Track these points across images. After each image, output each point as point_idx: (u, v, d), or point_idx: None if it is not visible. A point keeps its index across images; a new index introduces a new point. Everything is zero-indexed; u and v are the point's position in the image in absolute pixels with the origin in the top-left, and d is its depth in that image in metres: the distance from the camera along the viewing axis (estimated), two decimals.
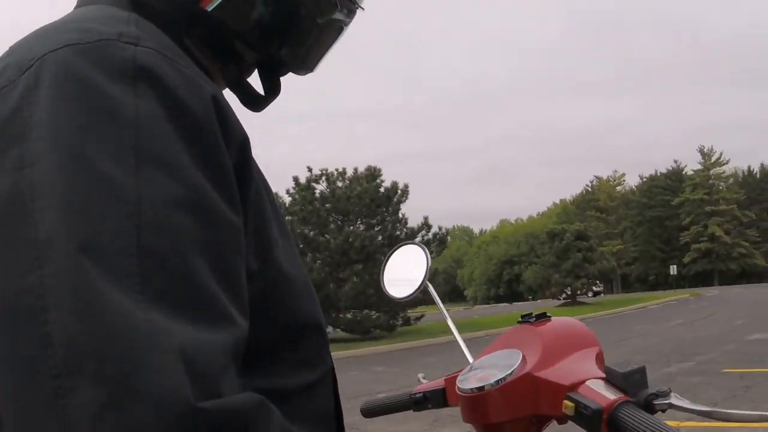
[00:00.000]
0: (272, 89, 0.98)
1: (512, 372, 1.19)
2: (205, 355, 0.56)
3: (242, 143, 0.72)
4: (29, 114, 0.62)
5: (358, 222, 26.62)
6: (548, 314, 1.34)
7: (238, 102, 0.95)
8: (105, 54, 0.64)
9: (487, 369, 1.25)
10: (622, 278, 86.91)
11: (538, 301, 53.17)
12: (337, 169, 27.40)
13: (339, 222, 26.30)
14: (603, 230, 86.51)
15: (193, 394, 0.54)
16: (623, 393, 1.08)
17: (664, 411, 1.08)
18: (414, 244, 1.63)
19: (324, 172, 27.13)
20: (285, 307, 0.81)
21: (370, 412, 1.56)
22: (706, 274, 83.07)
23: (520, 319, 1.35)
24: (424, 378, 1.50)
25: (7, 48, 0.74)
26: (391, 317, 26.54)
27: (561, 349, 1.25)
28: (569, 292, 43.31)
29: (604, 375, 1.14)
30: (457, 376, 1.32)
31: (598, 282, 55.68)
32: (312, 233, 25.62)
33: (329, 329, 26.56)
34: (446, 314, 1.66)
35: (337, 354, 20.39)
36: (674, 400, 1.07)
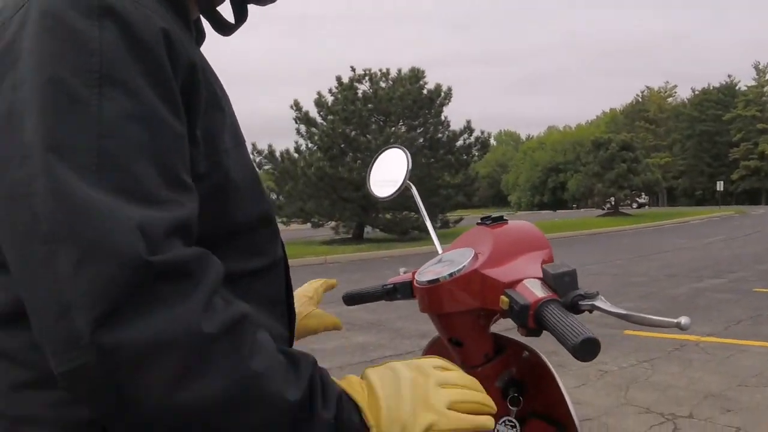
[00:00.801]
0: (240, 17, 1.10)
1: (462, 268, 1.30)
2: (153, 225, 0.73)
3: (190, 67, 0.86)
4: (20, 45, 0.78)
5: (400, 123, 26.52)
6: (505, 218, 1.45)
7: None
8: None
9: (443, 264, 1.37)
10: (668, 191, 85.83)
11: (582, 209, 52.92)
12: (380, 70, 27.15)
13: (380, 123, 26.23)
14: (651, 142, 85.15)
15: (145, 251, 0.70)
16: (553, 292, 1.19)
17: (590, 312, 1.18)
18: (397, 147, 1.71)
19: (367, 72, 26.91)
20: (232, 205, 0.95)
21: (350, 300, 1.69)
22: (754, 193, 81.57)
23: (479, 221, 1.46)
24: (405, 272, 1.59)
25: None
26: (430, 219, 26.79)
27: (510, 249, 1.36)
28: (612, 203, 42.99)
29: (541, 275, 1.24)
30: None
31: (642, 194, 55.22)
32: (353, 133, 25.65)
33: (367, 229, 26.90)
34: (424, 213, 1.78)
35: (373, 254, 20.72)
36: (599, 302, 1.15)
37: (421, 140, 26.17)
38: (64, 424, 0.83)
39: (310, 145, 26.71)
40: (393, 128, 25.48)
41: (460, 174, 27.07)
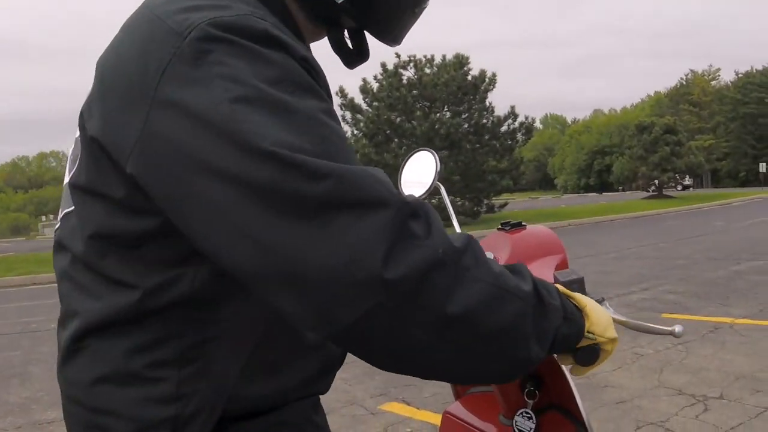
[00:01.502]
0: (362, 53, 1.20)
1: None
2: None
3: (327, 90, 0.97)
4: (213, 64, 0.85)
5: (445, 109, 26.80)
6: (523, 223, 1.57)
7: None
8: (247, 24, 0.89)
9: None
10: (712, 173, 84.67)
11: (627, 192, 52.64)
12: (425, 56, 27.45)
13: (425, 109, 26.56)
14: (695, 124, 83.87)
15: (399, 200, 0.85)
16: None
17: None
18: (426, 150, 1.77)
19: (412, 58, 27.22)
20: None
21: None
22: None
23: (499, 227, 1.57)
24: None
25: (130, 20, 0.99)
26: (476, 204, 27.00)
27: (526, 254, 1.46)
28: (656, 185, 42.80)
29: (552, 281, 1.32)
30: None
31: (687, 176, 54.67)
32: (398, 119, 25.99)
33: None
34: (452, 213, 1.84)
35: None
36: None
37: (466, 126, 26.49)
38: (138, 421, 0.94)
39: (355, 131, 27.09)
40: (438, 114, 25.80)
41: (505, 159, 27.29)
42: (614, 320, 1.26)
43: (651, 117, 53.11)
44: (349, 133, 27.31)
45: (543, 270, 1.41)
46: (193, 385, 0.97)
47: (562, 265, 1.48)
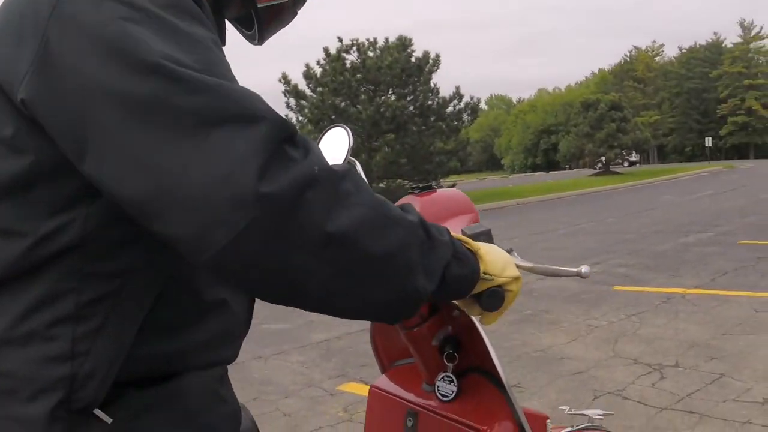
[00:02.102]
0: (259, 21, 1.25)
1: None
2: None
3: (215, 30, 0.98)
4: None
5: (390, 92, 26.58)
6: (434, 186, 1.58)
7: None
8: None
9: None
10: (658, 149, 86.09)
11: (574, 170, 53.17)
12: (368, 39, 27.12)
13: (370, 92, 26.28)
14: (640, 101, 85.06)
15: (276, 120, 0.87)
16: None
17: None
18: (340, 126, 1.77)
19: (354, 42, 26.85)
20: None
21: None
22: (742, 147, 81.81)
23: (409, 191, 1.58)
24: None
25: None
26: None
27: (437, 215, 1.48)
28: (603, 162, 43.20)
29: (460, 234, 1.31)
30: None
31: (633, 152, 55.41)
32: (343, 104, 25.71)
33: None
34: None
35: None
36: (511, 256, 1.28)
37: (412, 108, 26.26)
38: (36, 381, 0.90)
39: (300, 118, 26.76)
40: (383, 97, 25.58)
41: (451, 140, 27.22)
42: (520, 267, 1.27)
43: (596, 94, 53.68)
44: (294, 120, 27.00)
45: (454, 227, 1.38)
46: (90, 343, 0.92)
47: (473, 222, 1.50)
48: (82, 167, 0.85)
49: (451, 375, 1.46)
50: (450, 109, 27.11)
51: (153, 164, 0.80)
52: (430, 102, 26.78)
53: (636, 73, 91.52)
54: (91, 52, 0.82)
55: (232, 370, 1.15)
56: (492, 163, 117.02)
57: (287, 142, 0.84)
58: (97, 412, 0.93)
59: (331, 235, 0.84)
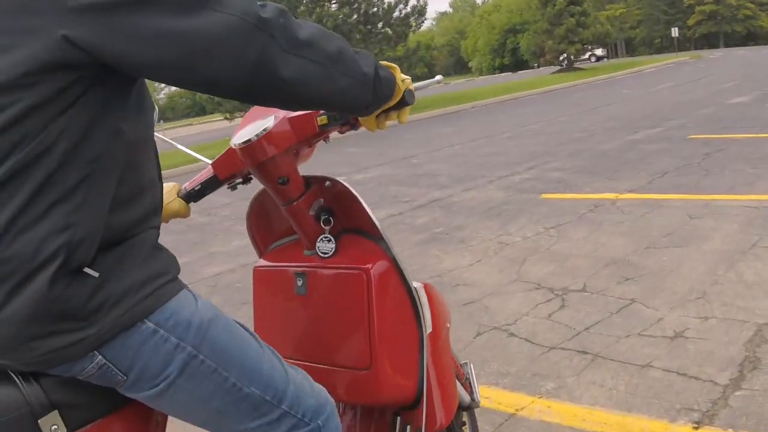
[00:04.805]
0: None
1: (272, 123, 1.69)
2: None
3: None
4: None
5: (332, 1, 25.10)
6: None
7: None
8: None
9: (249, 131, 1.68)
10: (626, 42, 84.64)
11: (541, 68, 51.72)
12: None
13: (310, 4, 24.65)
14: None
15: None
16: None
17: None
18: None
19: None
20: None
21: (189, 198, 1.95)
22: (712, 37, 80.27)
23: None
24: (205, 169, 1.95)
25: None
26: None
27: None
28: (566, 58, 41.84)
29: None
30: (222, 159, 1.87)
31: (600, 47, 54.21)
32: None
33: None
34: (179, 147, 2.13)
35: None
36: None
37: (355, 17, 24.76)
38: (43, 253, 1.18)
39: None
40: (325, 5, 24.14)
41: (399, 46, 25.93)
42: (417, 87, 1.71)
43: None
44: None
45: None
46: (79, 216, 1.20)
47: None
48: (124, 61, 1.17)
49: (329, 235, 1.80)
50: (396, 14, 25.64)
51: (194, 32, 1.15)
52: (375, 9, 25.28)
53: None
54: None
55: None
56: (460, 66, 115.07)
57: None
58: (87, 270, 1.22)
59: (303, 40, 1.25)
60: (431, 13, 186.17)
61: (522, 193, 7.69)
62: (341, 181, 1.79)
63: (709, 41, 79.52)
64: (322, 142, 1.83)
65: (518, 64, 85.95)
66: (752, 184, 6.51)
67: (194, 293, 1.40)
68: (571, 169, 8.76)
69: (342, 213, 1.82)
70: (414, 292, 1.84)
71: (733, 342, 3.36)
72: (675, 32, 51.39)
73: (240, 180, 1.94)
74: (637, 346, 3.48)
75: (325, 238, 1.80)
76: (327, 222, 1.80)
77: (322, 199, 1.81)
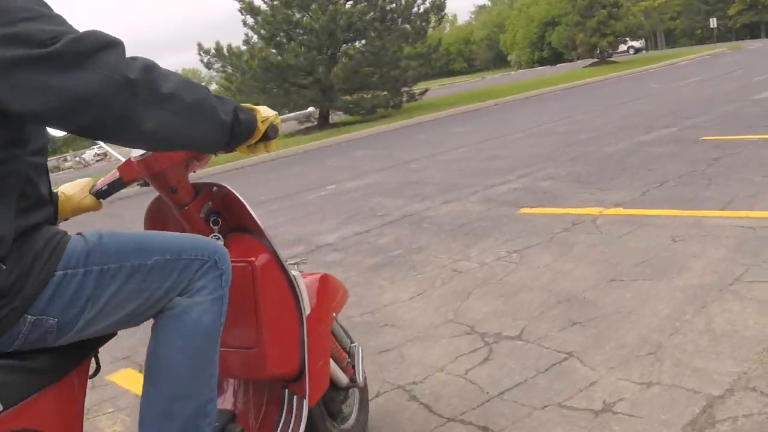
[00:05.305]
0: None
1: None
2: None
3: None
4: None
5: None
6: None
7: None
8: None
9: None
10: (666, 34, 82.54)
11: (579, 61, 50.33)
12: None
13: (323, 1, 23.60)
14: None
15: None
16: None
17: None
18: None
19: None
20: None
21: (100, 195, 2.21)
22: (754, 27, 77.60)
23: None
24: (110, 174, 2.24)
25: None
26: (393, 95, 25.03)
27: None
28: (600, 51, 40.38)
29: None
30: (126, 164, 2.10)
31: (639, 40, 52.74)
32: (296, 16, 23.68)
33: (338, 113, 25.21)
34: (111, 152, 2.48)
35: (331, 140, 19.34)
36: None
37: (372, 14, 23.93)
38: None
39: (256, 39, 24.68)
40: (338, 2, 23.40)
41: (419, 43, 25.08)
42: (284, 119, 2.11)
43: None
44: (255, 39, 24.79)
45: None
46: None
47: None
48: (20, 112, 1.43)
49: (218, 234, 2.09)
50: (415, 9, 24.73)
51: (76, 90, 1.40)
52: (393, 4, 24.41)
53: None
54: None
55: None
56: (499, 60, 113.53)
57: (125, 51, 1.48)
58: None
59: (167, 94, 1.48)
60: (470, 6, 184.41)
61: (501, 206, 6.96)
62: (227, 186, 2.08)
63: (751, 31, 76.90)
64: None
65: (557, 57, 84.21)
66: (755, 197, 5.72)
67: (81, 233, 1.68)
68: (564, 177, 7.99)
69: (229, 214, 2.12)
70: (293, 280, 2.14)
71: (671, 424, 2.64)
72: (713, 23, 49.72)
73: (143, 181, 2.12)
74: (550, 423, 2.77)
75: (215, 236, 2.05)
76: (215, 222, 2.09)
77: (210, 203, 2.09)
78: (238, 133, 1.70)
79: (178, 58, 53.25)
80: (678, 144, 9.07)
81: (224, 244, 2.00)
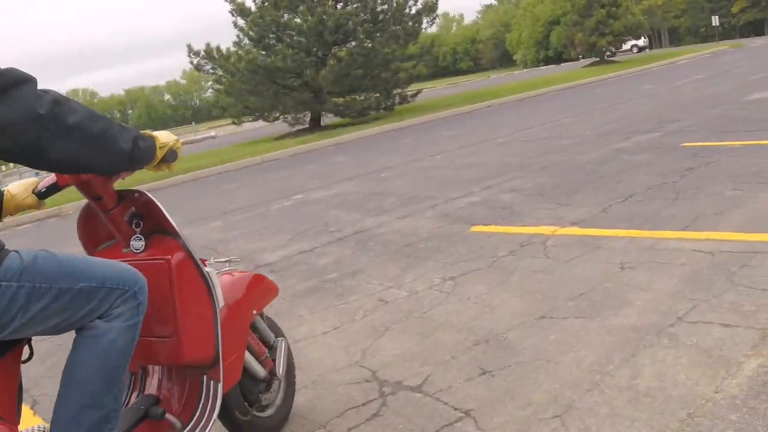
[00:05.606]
0: None
1: None
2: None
3: None
4: None
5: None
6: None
7: None
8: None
9: None
10: (670, 32, 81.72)
11: (581, 60, 49.71)
12: None
13: (311, 1, 23.13)
14: None
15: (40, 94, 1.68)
16: None
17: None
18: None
19: None
20: None
21: (42, 195, 2.37)
22: (757, 24, 76.79)
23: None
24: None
25: None
26: (385, 97, 24.57)
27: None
28: (599, 51, 39.69)
29: None
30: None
31: (642, 38, 52.07)
32: (285, 17, 23.25)
33: (329, 115, 24.79)
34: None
35: (319, 144, 18.95)
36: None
37: (362, 15, 23.45)
38: None
39: (246, 42, 24.31)
40: (327, 4, 22.91)
41: (410, 44, 24.58)
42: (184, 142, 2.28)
43: None
44: (246, 41, 24.45)
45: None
46: None
47: None
48: None
49: (140, 235, 2.28)
50: (407, 11, 24.19)
51: None
52: (384, 6, 23.91)
53: None
54: None
55: None
56: (505, 59, 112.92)
57: (37, 86, 1.65)
58: None
59: (72, 125, 1.66)
60: (477, 5, 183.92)
61: (454, 223, 6.53)
62: (146, 192, 2.28)
63: (755, 29, 76.01)
64: None
65: (560, 56, 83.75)
66: (722, 215, 5.27)
67: (17, 251, 1.85)
68: (528, 190, 7.54)
69: (149, 218, 2.31)
70: (207, 276, 2.36)
71: None
72: (715, 21, 49.02)
73: None
74: None
75: (137, 237, 2.29)
76: (138, 225, 2.30)
77: (133, 208, 2.30)
78: (137, 159, 1.93)
79: (178, 59, 52.98)
80: (656, 152, 8.61)
81: (146, 244, 2.28)
